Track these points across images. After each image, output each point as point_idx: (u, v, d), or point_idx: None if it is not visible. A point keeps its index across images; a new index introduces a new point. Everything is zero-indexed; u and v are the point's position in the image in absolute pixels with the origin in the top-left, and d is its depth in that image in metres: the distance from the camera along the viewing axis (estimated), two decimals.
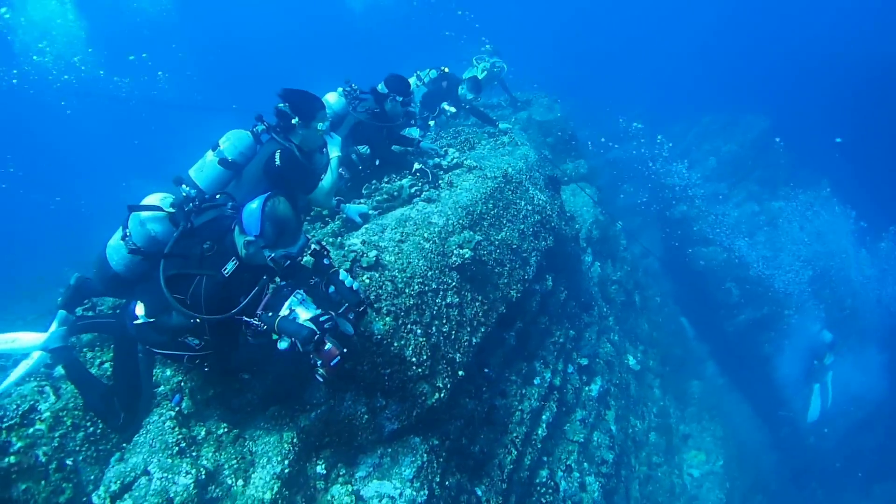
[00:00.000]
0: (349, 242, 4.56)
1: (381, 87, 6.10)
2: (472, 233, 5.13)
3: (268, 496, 3.42)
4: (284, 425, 3.90)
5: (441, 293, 4.65)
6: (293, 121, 4.50)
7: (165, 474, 3.37)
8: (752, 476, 11.73)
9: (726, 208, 15.31)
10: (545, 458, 6.24)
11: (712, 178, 16.29)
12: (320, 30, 33.80)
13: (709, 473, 10.56)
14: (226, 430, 3.79)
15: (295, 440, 3.79)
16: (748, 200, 15.51)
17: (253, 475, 3.57)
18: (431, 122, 7.97)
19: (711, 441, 11.13)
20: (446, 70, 8.62)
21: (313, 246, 3.71)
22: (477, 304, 5.07)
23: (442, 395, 4.27)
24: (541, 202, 6.88)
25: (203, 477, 3.40)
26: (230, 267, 3.28)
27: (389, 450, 4.11)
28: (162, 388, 3.99)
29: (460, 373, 4.56)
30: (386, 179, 5.74)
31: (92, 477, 3.65)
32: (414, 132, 7.71)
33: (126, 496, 3.33)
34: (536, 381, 6.30)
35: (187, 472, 3.37)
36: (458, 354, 4.63)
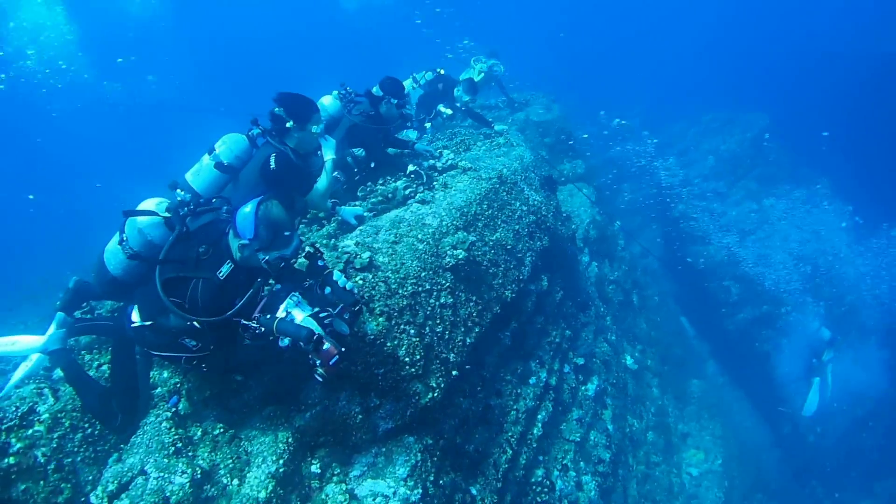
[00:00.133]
0: (343, 244, 4.61)
1: (376, 90, 6.16)
2: (466, 234, 5.18)
3: (262, 495, 3.47)
4: (280, 425, 3.96)
5: (435, 294, 4.70)
6: (288, 124, 4.56)
7: (162, 474, 3.43)
8: (752, 474, 11.74)
9: (725, 207, 15.33)
10: (541, 458, 6.28)
11: (711, 177, 16.31)
12: (314, 31, 33.80)
13: (708, 472, 10.58)
14: (222, 430, 3.85)
15: (290, 440, 3.85)
16: (747, 199, 15.53)
17: (248, 474, 3.62)
18: (427, 125, 8.03)
19: (710, 440, 11.15)
20: (442, 72, 8.68)
21: (307, 248, 3.77)
22: (471, 304, 5.12)
23: (436, 394, 4.32)
24: (536, 202, 6.92)
25: (199, 476, 3.46)
26: (225, 269, 3.33)
27: (384, 449, 4.16)
28: (159, 389, 4.06)
29: (454, 372, 4.60)
30: (381, 181, 5.80)
31: (90, 477, 3.72)
32: (412, 134, 7.77)
33: (123, 496, 3.39)
34: (532, 380, 6.34)
35: (183, 472, 3.43)
36: (452, 354, 4.67)
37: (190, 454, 3.62)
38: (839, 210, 15.05)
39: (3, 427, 3.59)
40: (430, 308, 4.60)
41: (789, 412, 11.61)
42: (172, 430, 3.69)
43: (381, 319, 4.12)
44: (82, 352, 4.33)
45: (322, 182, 4.98)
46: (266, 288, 3.66)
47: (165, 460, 3.50)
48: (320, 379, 3.23)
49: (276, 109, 4.57)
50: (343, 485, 3.87)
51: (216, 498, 3.47)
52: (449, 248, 4.99)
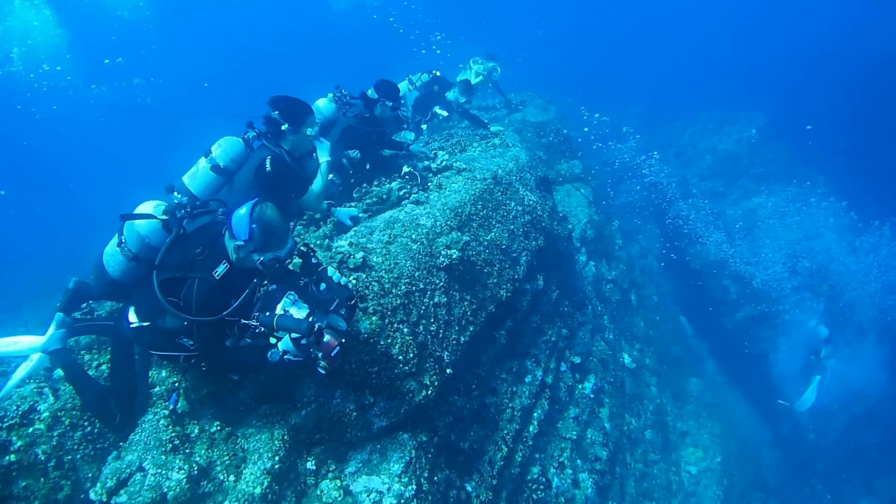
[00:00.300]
0: (336, 244, 4.68)
1: (370, 92, 6.23)
2: (460, 234, 5.25)
3: (258, 490, 3.54)
4: (276, 423, 4.03)
5: (429, 293, 4.77)
6: (283, 127, 4.63)
7: (159, 470, 3.50)
8: (751, 472, 11.78)
9: (722, 206, 15.39)
10: (537, 455, 6.35)
11: (708, 177, 16.38)
12: (303, 33, 33.79)
13: (706, 470, 10.62)
14: (218, 428, 3.92)
15: (286, 437, 3.91)
16: (744, 198, 15.60)
17: (244, 471, 3.69)
18: (424, 126, 8.10)
19: (709, 438, 11.19)
20: (438, 74, 8.76)
21: (300, 247, 3.84)
22: (465, 303, 5.19)
23: (429, 392, 4.38)
24: (531, 202, 6.99)
25: (196, 472, 3.53)
26: (221, 270, 3.40)
27: (378, 446, 4.23)
28: (158, 388, 4.12)
29: (448, 371, 4.66)
30: (376, 183, 5.87)
31: (90, 474, 3.80)
32: (409, 136, 7.84)
33: (122, 492, 3.46)
34: (528, 378, 6.40)
35: (180, 468, 3.50)
36: (447, 353, 4.74)
37: (187, 451, 3.69)
38: (835, 208, 15.09)
39: (5, 425, 3.66)
40: (423, 307, 4.66)
41: (788, 405, 11.63)
42: (170, 427, 3.75)
43: (374, 318, 4.19)
44: (82, 352, 4.39)
45: (317, 184, 5.05)
46: (262, 289, 3.73)
47: (163, 457, 3.57)
48: (323, 372, 3.31)
49: (274, 113, 4.64)
50: (338, 481, 3.94)
51: (213, 494, 3.54)
52: (443, 247, 5.06)
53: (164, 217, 3.70)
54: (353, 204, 5.73)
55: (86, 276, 4.18)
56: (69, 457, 3.77)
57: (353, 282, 4.28)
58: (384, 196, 5.58)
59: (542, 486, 6.08)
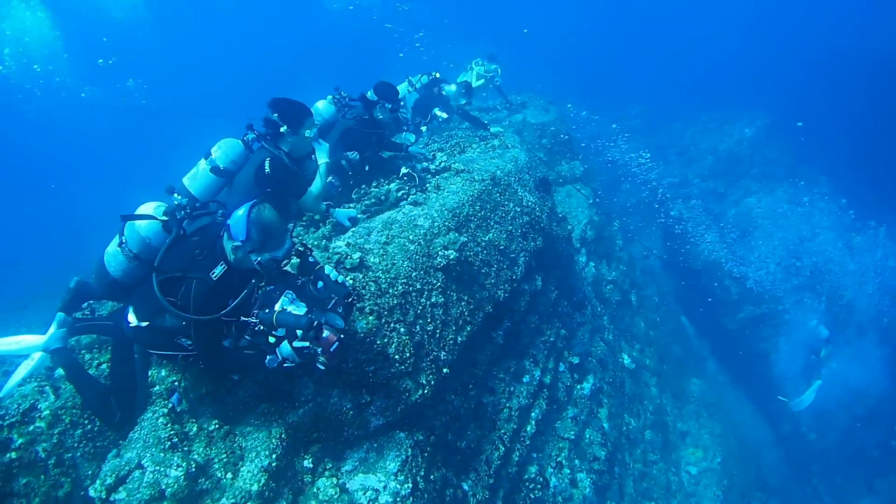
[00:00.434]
0: (334, 245, 4.73)
1: (370, 94, 6.28)
2: (457, 234, 5.29)
3: (255, 488, 3.58)
4: (273, 421, 4.07)
5: (426, 293, 4.81)
6: (282, 129, 4.68)
7: (158, 467, 3.55)
8: (752, 473, 11.78)
9: (723, 206, 15.39)
10: (535, 455, 6.38)
11: (709, 177, 16.38)
12: (300, 33, 33.79)
13: (707, 470, 10.62)
14: (217, 426, 3.97)
15: (283, 436, 3.96)
16: (745, 198, 15.58)
17: (242, 468, 3.74)
18: (423, 128, 8.13)
19: (710, 438, 11.19)
20: (438, 76, 8.80)
21: (298, 247, 3.89)
22: (463, 303, 5.23)
23: (426, 391, 4.42)
24: (530, 203, 7.02)
25: (194, 470, 3.58)
26: (218, 271, 3.45)
27: (375, 444, 4.27)
28: (157, 387, 4.17)
29: (445, 370, 4.71)
30: (374, 184, 5.92)
31: (90, 472, 3.85)
32: (410, 138, 7.89)
33: (121, 489, 3.51)
34: (526, 378, 6.43)
35: (178, 466, 3.55)
36: (443, 352, 4.78)
37: (185, 449, 3.74)
38: (834, 208, 15.08)
39: (6, 423, 3.72)
40: (420, 307, 4.71)
41: (787, 400, 11.64)
42: (169, 425, 3.81)
43: (371, 318, 4.23)
44: (83, 351, 4.45)
45: (316, 185, 5.10)
46: (260, 290, 3.78)
47: (161, 454, 3.62)
48: (322, 367, 3.36)
49: (273, 115, 4.69)
50: (334, 479, 3.98)
51: (210, 491, 3.59)
52: (440, 248, 5.10)
53: (165, 218, 3.76)
54: (351, 205, 5.77)
55: (87, 276, 4.24)
56: (69, 454, 3.83)
57: (350, 282, 4.32)
58: (382, 197, 5.62)
59: (539, 486, 6.11)
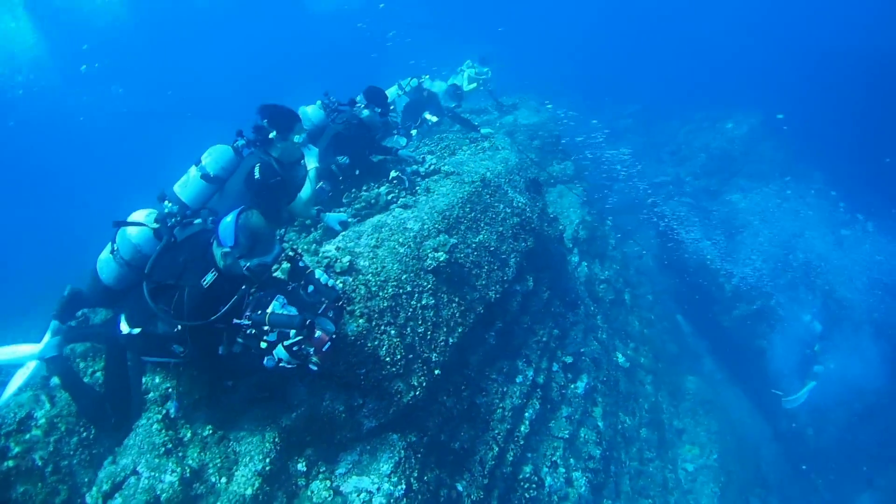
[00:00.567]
0: (324, 249, 4.79)
1: (359, 99, 6.34)
2: (447, 236, 5.35)
3: (249, 492, 3.63)
4: (267, 426, 4.11)
5: (416, 295, 4.87)
6: (271, 135, 4.73)
7: (153, 473, 3.60)
8: (749, 469, 11.83)
9: (715, 204, 15.47)
10: (529, 455, 6.42)
11: (702, 175, 16.47)
12: (285, 38, 33.76)
13: (703, 467, 10.67)
14: (211, 431, 4.01)
15: (277, 439, 4.00)
16: (736, 195, 15.68)
17: (236, 473, 3.78)
18: (414, 132, 8.18)
19: (706, 435, 11.24)
20: (427, 77, 8.87)
21: (288, 252, 3.94)
22: (454, 305, 5.28)
23: (417, 392, 4.48)
24: (520, 204, 7.08)
25: (188, 475, 3.63)
26: (209, 278, 3.50)
27: (368, 447, 4.32)
28: (152, 394, 4.22)
29: (437, 371, 4.76)
30: (364, 188, 5.97)
31: (86, 479, 3.90)
32: (401, 141, 7.95)
33: (117, 495, 3.56)
34: (519, 378, 6.48)
35: (173, 471, 3.59)
36: (435, 354, 4.83)
37: (180, 454, 3.78)
38: (826, 205, 15.17)
39: (2, 432, 3.77)
40: (411, 309, 4.76)
41: (781, 394, 11.72)
42: (163, 431, 3.85)
43: (361, 321, 4.29)
44: (77, 359, 4.50)
45: (306, 190, 5.15)
46: (251, 297, 3.83)
47: (156, 460, 3.67)
48: (315, 368, 3.41)
49: (262, 121, 4.75)
50: (328, 481, 4.03)
51: (205, 495, 3.63)
52: (430, 250, 5.16)
53: (156, 225, 3.81)
54: (342, 209, 5.83)
55: (81, 284, 4.29)
56: (66, 462, 3.88)
57: (340, 285, 4.37)
58: (372, 201, 5.68)
59: (534, 485, 6.16)
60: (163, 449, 3.76)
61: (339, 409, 4.20)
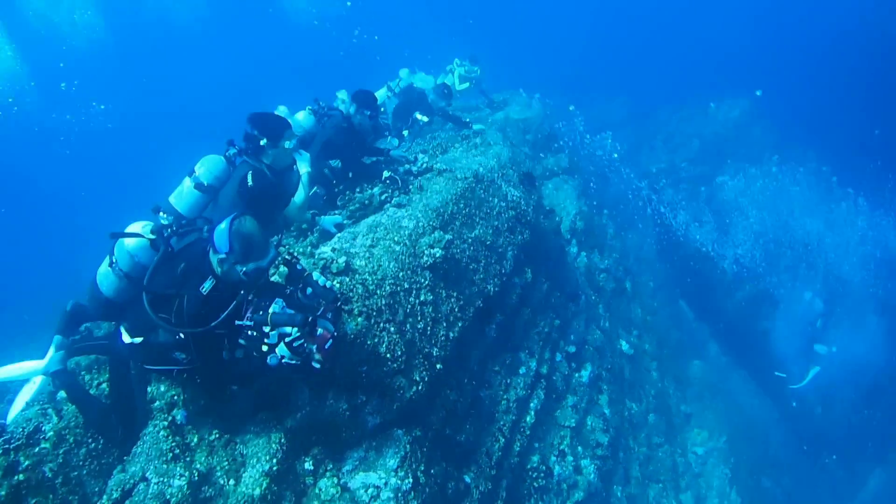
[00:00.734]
0: (319, 251, 4.84)
1: (340, 94, 6.40)
2: (442, 233, 5.40)
3: (257, 492, 3.68)
4: (272, 428, 4.16)
5: (414, 292, 4.91)
6: (262, 142, 4.79)
7: (162, 478, 3.65)
8: (759, 450, 11.85)
9: (711, 189, 15.49)
10: (536, 445, 6.47)
11: (697, 161, 16.51)
12: (270, 48, 33.79)
13: (713, 450, 10.71)
14: (217, 435, 4.06)
15: (282, 440, 4.05)
16: (733, 178, 15.69)
17: (244, 474, 3.83)
18: (405, 132, 8.24)
19: (714, 418, 11.27)
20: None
21: (285, 256, 4.00)
22: (452, 300, 5.33)
23: (420, 387, 4.52)
24: (515, 198, 7.13)
25: (196, 478, 3.68)
26: (208, 286, 3.55)
27: (374, 443, 4.37)
28: (157, 402, 4.27)
29: (438, 366, 4.81)
30: (358, 189, 6.02)
31: (97, 489, 3.96)
32: (393, 142, 8.00)
33: (127, 502, 3.61)
34: (522, 370, 6.53)
35: (181, 475, 3.64)
36: (436, 349, 4.88)
37: (188, 459, 3.83)
38: (820, 184, 15.17)
39: (12, 447, 3.82)
40: (409, 306, 4.81)
41: (784, 376, 11.72)
42: (170, 437, 3.90)
43: (360, 319, 4.33)
44: (82, 372, 4.57)
45: (299, 195, 5.21)
46: (251, 305, 3.87)
47: (164, 466, 3.72)
48: (318, 366, 3.45)
49: (252, 130, 4.81)
50: (335, 479, 4.08)
51: (214, 498, 3.68)
52: (426, 247, 5.21)
53: (152, 236, 3.87)
54: (337, 212, 5.88)
55: (82, 298, 4.35)
56: (75, 473, 3.93)
57: (337, 286, 4.42)
58: (366, 202, 5.73)
59: (542, 475, 6.21)
60: (170, 454, 3.80)
61: (342, 408, 4.24)
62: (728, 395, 12.21)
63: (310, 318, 3.37)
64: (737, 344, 14.07)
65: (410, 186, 6.08)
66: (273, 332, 3.44)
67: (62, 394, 4.27)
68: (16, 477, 3.70)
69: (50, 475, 3.81)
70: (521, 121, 11.83)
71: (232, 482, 3.78)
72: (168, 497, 3.55)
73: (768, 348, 13.13)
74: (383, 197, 5.81)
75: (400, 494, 4.11)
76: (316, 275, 3.87)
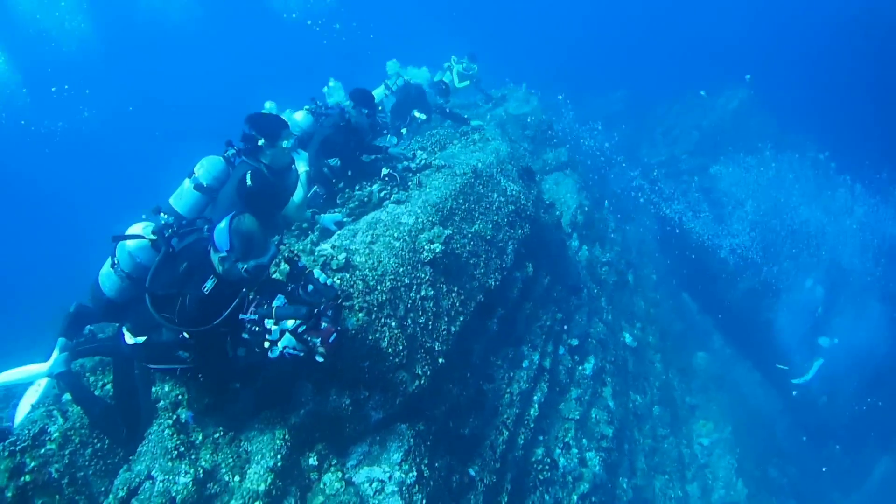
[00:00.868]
0: (319, 248, 4.86)
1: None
2: (441, 228, 5.41)
3: (262, 487, 3.70)
4: (276, 424, 4.18)
5: (415, 287, 4.93)
6: (260, 142, 4.82)
7: (167, 476, 3.67)
8: (765, 440, 11.86)
9: (711, 180, 15.47)
10: (541, 437, 6.49)
11: (697, 153, 16.48)
12: (264, 49, 33.76)
13: (718, 441, 10.73)
14: (222, 433, 4.08)
15: (287, 436, 4.07)
16: (730, 169, 15.67)
17: (248, 471, 3.85)
18: (403, 130, 8.25)
19: (718, 410, 11.29)
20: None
21: (286, 254, 4.02)
22: (453, 294, 5.34)
23: (422, 381, 4.54)
24: (514, 193, 7.14)
25: (201, 476, 3.69)
26: (209, 285, 3.57)
27: (378, 438, 4.38)
28: (162, 402, 4.29)
29: (440, 360, 4.82)
30: (357, 187, 6.04)
31: (102, 488, 3.99)
32: (392, 140, 8.02)
33: (133, 501, 3.63)
34: (525, 364, 6.55)
35: (186, 472, 3.66)
36: (437, 343, 4.90)
37: (192, 457, 3.85)
38: (819, 173, 15.15)
39: (18, 448, 3.85)
40: (410, 301, 4.83)
41: (786, 368, 11.72)
42: (175, 436, 3.92)
43: (360, 315, 4.35)
44: (87, 374, 4.59)
45: (298, 194, 5.23)
46: (253, 304, 3.89)
47: (170, 464, 3.74)
48: (321, 360, 3.46)
49: (252, 131, 4.83)
50: (340, 473, 4.09)
51: (219, 494, 3.70)
52: (426, 243, 5.22)
53: (153, 237, 3.89)
54: (336, 210, 5.89)
55: (85, 300, 4.38)
56: (81, 473, 3.96)
57: (338, 282, 4.44)
58: (365, 199, 5.75)
59: (547, 467, 6.22)
60: (175, 452, 3.82)
61: (345, 403, 4.26)
62: (733, 386, 12.22)
63: (315, 311, 3.38)
64: (741, 335, 14.07)
65: (409, 183, 6.10)
66: (275, 328, 3.45)
67: (67, 396, 4.29)
68: (22, 478, 3.73)
69: (56, 476, 3.84)
70: (520, 116, 11.84)
71: (237, 478, 3.80)
72: (174, 494, 3.57)
73: (772, 339, 13.14)
74: (382, 194, 5.83)
75: (404, 488, 4.12)
76: (317, 272, 3.89)
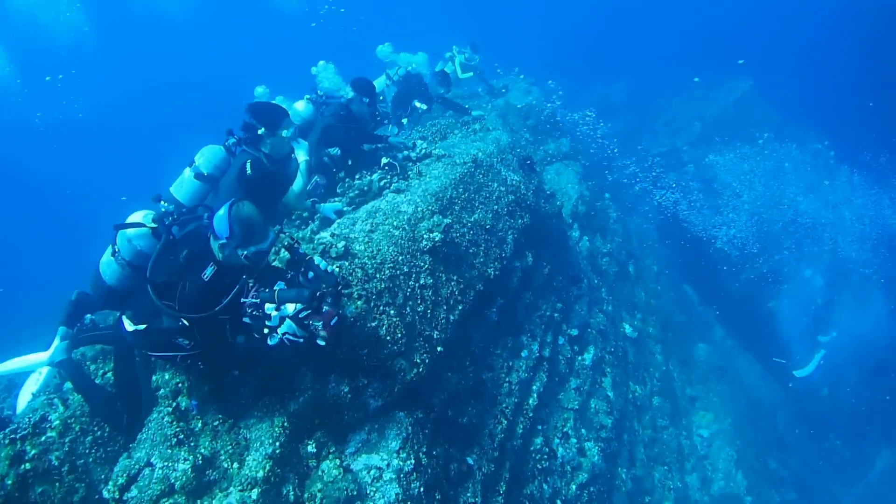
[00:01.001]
0: (319, 236, 4.86)
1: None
2: (441, 217, 5.40)
3: (260, 474, 3.72)
4: (275, 412, 4.19)
5: (414, 276, 4.93)
6: (260, 131, 4.81)
7: (166, 463, 3.69)
8: (765, 432, 11.87)
9: (713, 171, 15.42)
10: (539, 427, 6.50)
11: (699, 144, 16.42)
12: (258, 37, 33.61)
13: (718, 432, 10.74)
14: (221, 420, 4.10)
15: (285, 424, 4.08)
16: (737, 160, 15.61)
17: (247, 458, 3.87)
18: (405, 120, 8.23)
19: (719, 401, 11.30)
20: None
21: (286, 241, 4.02)
22: (452, 283, 5.34)
23: (420, 369, 4.55)
24: (514, 182, 7.12)
25: (200, 462, 3.72)
26: (209, 272, 3.57)
27: (376, 425, 4.39)
28: (162, 390, 4.31)
29: (439, 348, 4.83)
30: (357, 176, 6.02)
31: (102, 476, 4.02)
32: (393, 130, 8.00)
33: (132, 487, 3.65)
34: (524, 353, 6.55)
35: (185, 459, 3.69)
36: (436, 331, 4.90)
37: (192, 444, 3.87)
38: (821, 163, 15.08)
39: (18, 436, 3.87)
40: (409, 289, 4.82)
41: (784, 362, 11.72)
42: (174, 423, 3.94)
43: (359, 303, 4.35)
44: (87, 363, 4.61)
45: (298, 183, 5.23)
46: (252, 290, 3.90)
47: (169, 451, 3.76)
48: (323, 343, 3.46)
49: (252, 120, 4.83)
50: (338, 460, 4.11)
51: (218, 481, 3.73)
52: (425, 231, 5.21)
53: (154, 225, 3.89)
54: (336, 199, 5.88)
55: (86, 288, 4.39)
56: (81, 461, 3.99)
57: (337, 270, 4.44)
58: (365, 188, 5.73)
59: (546, 456, 6.24)
60: (174, 440, 3.84)
61: (344, 391, 4.27)
62: (734, 378, 12.22)
63: (318, 293, 3.38)
64: (742, 326, 14.05)
65: (409, 172, 6.09)
66: (275, 315, 3.45)
67: (68, 384, 4.31)
68: (22, 466, 3.76)
69: (56, 463, 3.87)
70: (522, 107, 11.79)
71: (236, 465, 3.82)
72: (173, 481, 3.60)
73: (774, 330, 13.12)
74: (382, 183, 5.82)
75: (402, 475, 4.14)
76: (317, 258, 3.90)
